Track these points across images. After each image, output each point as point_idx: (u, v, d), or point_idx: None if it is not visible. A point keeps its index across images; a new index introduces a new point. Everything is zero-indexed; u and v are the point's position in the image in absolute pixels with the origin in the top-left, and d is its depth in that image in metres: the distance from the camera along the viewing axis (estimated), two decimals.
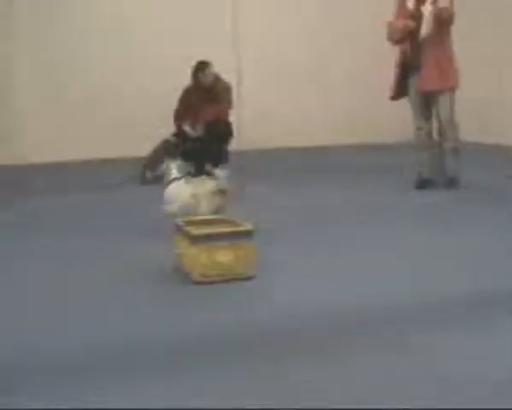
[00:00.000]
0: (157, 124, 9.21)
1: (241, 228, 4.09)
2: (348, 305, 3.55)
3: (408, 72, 6.58)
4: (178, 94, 7.85)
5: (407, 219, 5.51)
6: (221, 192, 4.88)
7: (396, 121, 9.83)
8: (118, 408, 2.52)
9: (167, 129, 7.72)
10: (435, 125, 6.69)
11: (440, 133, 6.62)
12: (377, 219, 5.56)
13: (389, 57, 8.00)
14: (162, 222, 4.97)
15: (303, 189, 6.99)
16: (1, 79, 9.42)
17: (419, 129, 6.69)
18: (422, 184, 6.72)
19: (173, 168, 5.23)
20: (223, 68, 7.91)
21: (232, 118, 7.93)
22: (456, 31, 6.57)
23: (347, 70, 10.48)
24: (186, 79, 7.87)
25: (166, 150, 7.27)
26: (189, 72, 7.83)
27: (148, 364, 2.92)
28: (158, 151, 7.54)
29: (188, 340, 3.17)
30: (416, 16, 6.40)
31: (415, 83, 6.55)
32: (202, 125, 7.68)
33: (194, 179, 5.30)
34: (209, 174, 5.51)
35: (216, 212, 4.75)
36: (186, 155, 6.90)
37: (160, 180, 5.26)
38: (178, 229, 4.23)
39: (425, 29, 6.36)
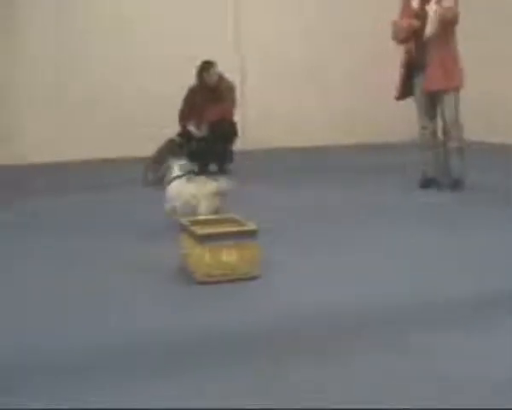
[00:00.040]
0: (157, 124, 9.25)
1: (246, 228, 4.09)
2: (348, 305, 3.55)
3: (413, 71, 6.59)
4: (179, 94, 7.86)
5: (410, 219, 5.50)
6: (221, 194, 4.89)
7: (396, 121, 9.87)
8: (118, 408, 2.52)
9: (168, 129, 7.72)
10: (440, 124, 6.69)
11: (445, 133, 6.61)
12: (379, 219, 5.55)
13: (388, 57, 8.03)
14: (162, 222, 4.98)
15: (303, 189, 6.99)
16: (1, 79, 9.43)
17: (423, 128, 6.69)
18: (427, 183, 6.72)
19: (175, 167, 5.25)
20: (226, 68, 7.91)
21: (236, 117, 7.93)
22: (461, 30, 6.56)
23: (347, 70, 10.48)
24: (186, 79, 7.88)
25: (171, 150, 7.27)
26: (189, 72, 7.84)
27: (148, 364, 2.91)
28: (162, 151, 7.53)
29: (188, 340, 3.17)
30: (421, 15, 6.39)
31: (420, 83, 6.55)
32: (207, 124, 7.68)
33: (196, 178, 5.31)
34: (212, 174, 5.53)
35: (215, 213, 4.76)
36: (191, 155, 6.91)
37: (162, 181, 5.27)
38: (183, 229, 4.23)
39: (430, 29, 6.35)
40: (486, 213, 5.66)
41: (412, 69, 6.58)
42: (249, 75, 10.14)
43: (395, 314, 3.44)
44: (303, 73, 10.50)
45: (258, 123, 10.06)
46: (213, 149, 7.48)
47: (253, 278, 3.98)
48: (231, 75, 8.00)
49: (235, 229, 4.12)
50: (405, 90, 6.69)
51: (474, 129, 8.04)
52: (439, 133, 6.74)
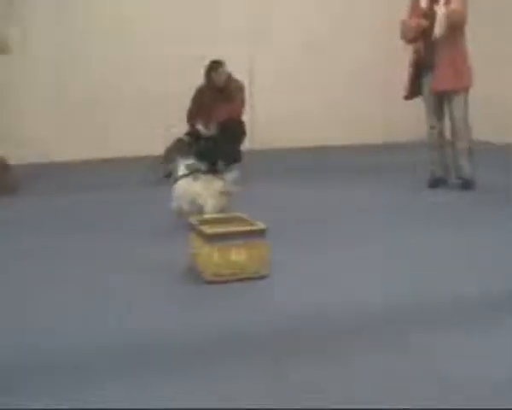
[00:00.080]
0: (158, 124, 9.26)
1: (255, 227, 4.09)
2: (348, 305, 3.55)
3: (421, 71, 6.58)
4: (180, 94, 7.85)
5: (418, 219, 5.48)
6: (227, 193, 4.91)
7: (404, 120, 9.86)
8: (118, 408, 2.52)
9: (174, 128, 7.74)
10: (448, 124, 6.68)
11: (453, 133, 6.61)
12: (383, 219, 5.54)
13: (397, 56, 8.02)
14: (164, 222, 4.98)
15: (303, 188, 6.98)
16: (1, 79, 9.42)
17: (432, 128, 6.69)
18: (435, 182, 6.73)
19: (182, 166, 5.28)
20: (234, 69, 7.90)
21: (245, 117, 7.92)
22: (469, 30, 6.55)
23: (355, 70, 10.46)
24: (187, 79, 7.87)
25: (179, 149, 7.28)
26: (189, 72, 7.84)
27: (148, 364, 2.91)
28: (170, 150, 7.53)
29: (188, 340, 3.17)
30: (430, 15, 6.39)
31: (428, 82, 6.55)
32: (215, 124, 7.68)
33: (203, 177, 5.32)
34: (219, 173, 5.54)
35: (221, 211, 4.77)
36: (199, 155, 6.91)
37: (169, 179, 5.29)
38: (192, 228, 4.22)
39: (438, 30, 6.35)
40: (494, 212, 5.65)
41: (421, 69, 6.58)
42: (257, 76, 10.12)
43: (395, 314, 3.44)
44: (303, 73, 10.48)
45: (266, 123, 10.04)
46: (222, 149, 7.47)
47: (262, 278, 3.98)
48: (240, 76, 7.98)
49: (244, 228, 4.11)
50: (414, 90, 6.69)
51: (483, 129, 8.02)
52: (447, 133, 6.74)
